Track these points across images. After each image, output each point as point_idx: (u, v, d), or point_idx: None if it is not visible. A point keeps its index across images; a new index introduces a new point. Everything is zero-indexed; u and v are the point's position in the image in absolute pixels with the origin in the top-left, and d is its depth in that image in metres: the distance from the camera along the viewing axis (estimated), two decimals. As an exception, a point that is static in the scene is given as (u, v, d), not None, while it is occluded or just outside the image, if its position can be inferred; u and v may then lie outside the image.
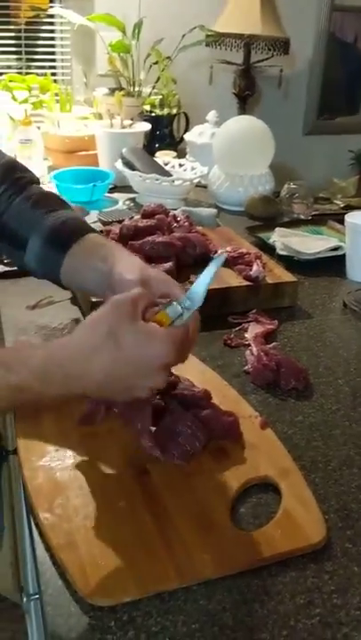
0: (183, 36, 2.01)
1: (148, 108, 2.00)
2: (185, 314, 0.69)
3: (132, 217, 1.26)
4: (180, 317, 0.69)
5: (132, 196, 1.67)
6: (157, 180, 1.55)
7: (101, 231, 1.28)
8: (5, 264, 1.23)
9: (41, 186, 0.97)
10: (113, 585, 0.58)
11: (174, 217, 1.27)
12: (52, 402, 0.71)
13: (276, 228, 1.42)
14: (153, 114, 2.00)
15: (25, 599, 0.78)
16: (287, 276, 1.16)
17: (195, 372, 0.87)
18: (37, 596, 0.68)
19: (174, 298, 0.72)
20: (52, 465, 0.73)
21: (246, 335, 1.04)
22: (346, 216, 1.30)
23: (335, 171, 2.19)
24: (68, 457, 0.74)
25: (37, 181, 0.98)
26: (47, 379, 0.64)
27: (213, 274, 0.71)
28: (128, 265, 0.78)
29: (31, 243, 0.88)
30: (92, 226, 1.42)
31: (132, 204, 1.62)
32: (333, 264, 1.32)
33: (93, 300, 1.02)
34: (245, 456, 0.75)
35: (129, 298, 0.66)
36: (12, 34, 2.17)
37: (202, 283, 0.71)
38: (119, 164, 1.64)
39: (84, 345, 0.65)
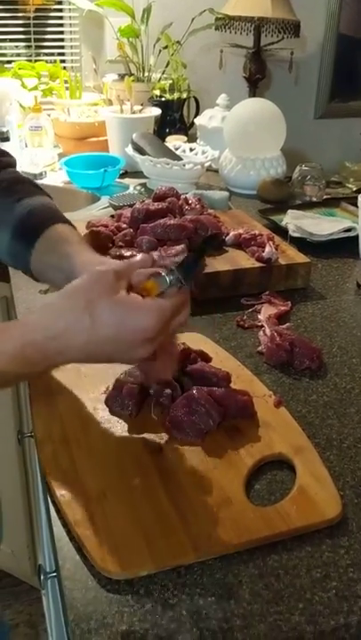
0: (193, 19, 2.00)
1: (157, 92, 1.99)
2: (173, 285, 0.67)
3: (144, 200, 1.26)
4: (170, 288, 0.67)
5: (142, 181, 1.66)
6: (168, 164, 1.54)
7: (112, 216, 1.28)
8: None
9: (17, 169, 0.93)
10: (130, 559, 0.59)
11: (186, 200, 1.26)
12: (40, 375, 0.69)
13: (289, 211, 1.41)
14: (163, 99, 1.99)
15: (42, 577, 0.78)
16: (300, 257, 1.16)
17: (209, 353, 0.87)
18: (55, 574, 0.69)
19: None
20: (68, 444, 0.73)
21: (259, 317, 1.04)
22: (360, 196, 1.29)
23: (347, 154, 2.16)
24: (84, 436, 0.74)
25: (13, 164, 0.93)
26: (26, 361, 0.62)
27: (204, 253, 0.70)
28: (88, 261, 0.74)
29: (1, 234, 0.84)
30: (103, 211, 1.44)
31: (142, 190, 1.62)
32: (346, 245, 1.32)
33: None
34: (260, 434, 0.75)
35: (111, 269, 0.64)
36: (21, 21, 2.17)
37: (193, 259, 0.69)
38: (129, 150, 1.63)
39: (60, 321, 0.62)
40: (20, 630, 1.70)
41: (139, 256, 0.70)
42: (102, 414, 0.78)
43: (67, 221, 0.85)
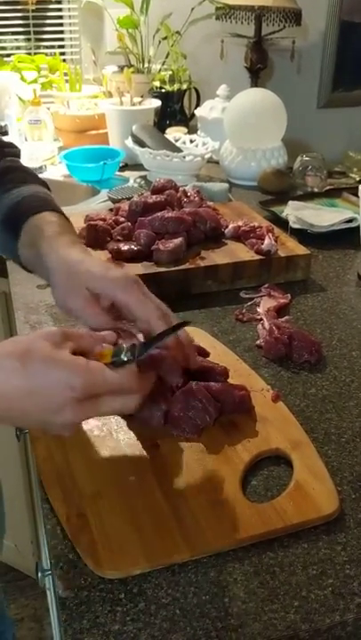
0: (192, 9, 1.98)
1: (157, 84, 1.97)
2: (127, 360, 0.61)
3: (142, 193, 1.25)
4: (122, 361, 0.61)
5: (143, 173, 1.65)
6: (168, 156, 1.53)
7: (111, 209, 1.27)
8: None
9: (15, 159, 0.91)
10: (123, 557, 0.58)
11: (184, 192, 1.25)
12: None
13: (290, 202, 1.40)
14: (163, 90, 1.97)
15: (40, 574, 0.78)
16: (300, 249, 1.14)
17: (206, 347, 0.86)
18: (50, 572, 0.68)
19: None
20: (63, 441, 0.72)
21: (259, 310, 1.03)
22: (360, 187, 1.27)
23: (351, 144, 2.14)
24: (79, 432, 0.73)
25: (16, 154, 0.92)
26: None
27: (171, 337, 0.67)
28: (62, 260, 0.71)
29: None
30: (102, 205, 1.43)
31: (143, 182, 1.61)
32: (348, 236, 1.30)
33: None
34: (257, 429, 0.74)
35: (60, 330, 0.61)
36: (21, 14, 2.15)
37: (155, 343, 0.65)
38: (129, 142, 1.62)
39: None
40: (24, 624, 1.71)
41: (105, 333, 0.66)
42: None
43: (54, 209, 0.81)
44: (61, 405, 0.56)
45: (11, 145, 0.94)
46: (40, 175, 1.72)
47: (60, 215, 0.81)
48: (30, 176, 0.88)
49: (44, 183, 0.89)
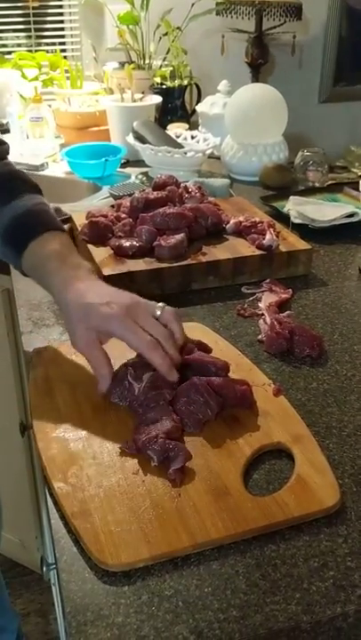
0: (193, 4, 1.98)
1: (158, 80, 1.98)
2: None
3: (144, 190, 1.25)
4: None
5: (144, 170, 1.65)
6: (169, 152, 1.53)
7: (112, 206, 1.27)
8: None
9: (8, 160, 0.93)
10: (126, 551, 0.59)
11: (186, 188, 1.25)
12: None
13: (291, 197, 1.40)
14: (164, 86, 1.97)
15: (45, 569, 0.78)
16: (301, 244, 1.15)
17: (208, 342, 0.86)
18: (55, 566, 0.69)
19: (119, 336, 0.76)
20: (66, 436, 0.73)
21: (260, 305, 1.03)
22: (361, 181, 1.27)
23: (353, 138, 2.14)
24: (81, 428, 0.74)
25: (5, 153, 0.93)
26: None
27: None
28: (70, 311, 0.78)
29: None
30: (104, 201, 1.43)
31: (144, 178, 1.61)
32: (349, 231, 1.30)
33: (105, 274, 1.02)
34: (258, 423, 0.75)
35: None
36: (21, 11, 2.15)
37: None
38: (130, 138, 1.62)
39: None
40: (30, 619, 1.72)
41: None
42: (100, 407, 0.78)
43: (55, 227, 0.86)
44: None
45: (0, 142, 0.95)
46: (42, 172, 1.73)
47: (60, 235, 0.86)
48: (27, 185, 0.91)
49: (38, 190, 0.92)
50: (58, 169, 1.76)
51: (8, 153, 0.94)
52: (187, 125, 1.88)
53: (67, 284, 0.80)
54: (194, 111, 2.03)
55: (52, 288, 0.82)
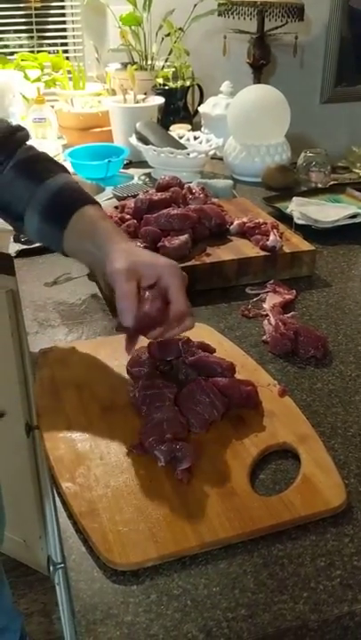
0: (195, 5, 1.98)
1: (161, 81, 1.98)
2: None
3: (147, 191, 1.26)
4: None
5: (147, 171, 1.66)
6: (172, 153, 1.53)
7: (116, 207, 1.28)
8: (23, 242, 1.23)
9: (31, 144, 0.94)
10: (135, 550, 0.59)
11: (189, 189, 1.26)
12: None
13: (294, 198, 1.40)
14: (166, 87, 1.97)
15: (52, 568, 0.79)
16: (305, 245, 1.15)
17: (213, 343, 0.87)
18: (62, 565, 0.69)
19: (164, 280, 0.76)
20: (73, 437, 0.74)
21: (264, 306, 1.04)
22: (364, 182, 1.28)
23: (355, 139, 2.14)
24: (88, 428, 0.75)
25: (26, 138, 0.94)
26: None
27: None
28: (117, 253, 0.78)
29: (29, 217, 0.88)
30: (107, 202, 1.43)
31: (147, 179, 1.62)
32: (352, 232, 1.31)
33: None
34: (264, 424, 0.75)
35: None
36: (23, 12, 2.16)
37: None
38: (133, 139, 1.62)
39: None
40: (34, 619, 1.72)
41: None
42: (106, 408, 0.78)
43: (93, 201, 0.88)
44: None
45: (20, 128, 0.95)
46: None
47: (99, 208, 0.88)
48: (55, 165, 0.92)
49: (66, 169, 0.93)
50: (61, 170, 1.76)
51: (29, 138, 0.95)
52: (189, 126, 1.88)
53: (126, 239, 0.84)
54: (196, 112, 2.03)
55: (107, 242, 0.81)
